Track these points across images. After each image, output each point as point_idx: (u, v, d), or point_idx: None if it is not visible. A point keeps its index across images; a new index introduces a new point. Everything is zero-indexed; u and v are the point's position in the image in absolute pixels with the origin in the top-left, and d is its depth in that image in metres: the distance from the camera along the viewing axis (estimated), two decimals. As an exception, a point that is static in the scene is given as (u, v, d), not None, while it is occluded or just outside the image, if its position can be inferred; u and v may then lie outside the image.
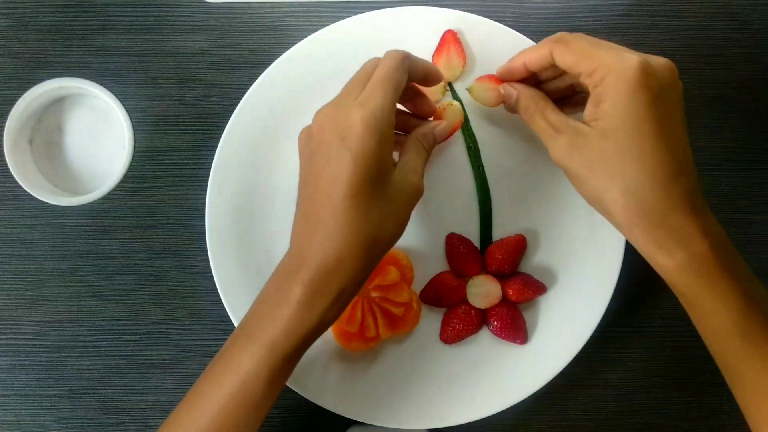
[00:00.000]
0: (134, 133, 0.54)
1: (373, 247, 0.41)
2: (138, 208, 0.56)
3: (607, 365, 0.56)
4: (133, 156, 0.54)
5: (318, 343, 0.43)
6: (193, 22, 0.56)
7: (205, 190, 0.52)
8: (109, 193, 0.53)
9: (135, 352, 0.56)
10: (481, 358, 0.53)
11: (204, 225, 0.52)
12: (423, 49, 0.51)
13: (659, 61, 0.41)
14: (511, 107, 0.49)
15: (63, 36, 0.56)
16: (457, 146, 0.54)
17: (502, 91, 0.49)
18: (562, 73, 0.47)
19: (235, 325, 0.52)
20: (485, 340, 0.53)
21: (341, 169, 0.40)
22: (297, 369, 0.43)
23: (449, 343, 0.53)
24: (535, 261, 0.54)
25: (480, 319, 0.53)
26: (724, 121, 0.57)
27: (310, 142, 0.42)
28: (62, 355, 0.56)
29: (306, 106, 0.50)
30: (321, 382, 0.52)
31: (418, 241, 0.54)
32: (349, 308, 0.50)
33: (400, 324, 0.52)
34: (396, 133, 0.48)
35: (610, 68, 0.41)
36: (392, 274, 0.51)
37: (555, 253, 0.54)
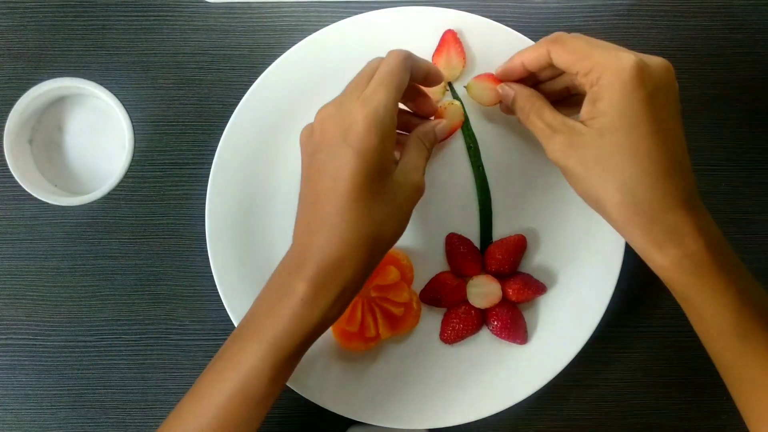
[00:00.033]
0: (134, 133, 0.54)
1: (376, 245, 0.42)
2: (138, 208, 0.56)
3: (607, 365, 0.56)
4: (133, 156, 0.54)
5: (318, 343, 0.43)
6: (193, 22, 0.56)
7: (205, 190, 0.52)
8: (109, 193, 0.53)
9: (135, 352, 0.56)
10: (481, 358, 0.53)
11: (204, 225, 0.52)
12: (423, 49, 0.51)
13: (655, 61, 0.42)
14: (508, 107, 0.49)
15: (63, 36, 0.56)
16: (457, 146, 0.54)
17: (499, 90, 0.49)
18: (561, 73, 0.47)
19: (236, 325, 0.51)
20: (485, 340, 0.53)
21: (344, 166, 0.40)
22: (297, 369, 0.43)
23: (449, 343, 0.53)
24: (535, 261, 0.54)
25: (480, 319, 0.53)
26: (724, 121, 0.57)
27: (312, 139, 0.43)
28: (62, 355, 0.56)
29: (306, 105, 0.50)
30: (321, 382, 0.52)
31: (418, 241, 0.54)
32: (349, 308, 0.50)
33: (400, 324, 0.52)
34: (397, 132, 0.48)
35: (606, 67, 0.41)
36: (392, 274, 0.51)
37: (555, 253, 0.54)
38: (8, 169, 0.52)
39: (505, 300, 0.52)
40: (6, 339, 0.56)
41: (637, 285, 0.55)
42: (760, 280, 0.43)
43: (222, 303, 0.52)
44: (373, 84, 0.42)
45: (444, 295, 0.52)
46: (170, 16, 0.56)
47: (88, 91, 0.53)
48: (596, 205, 0.43)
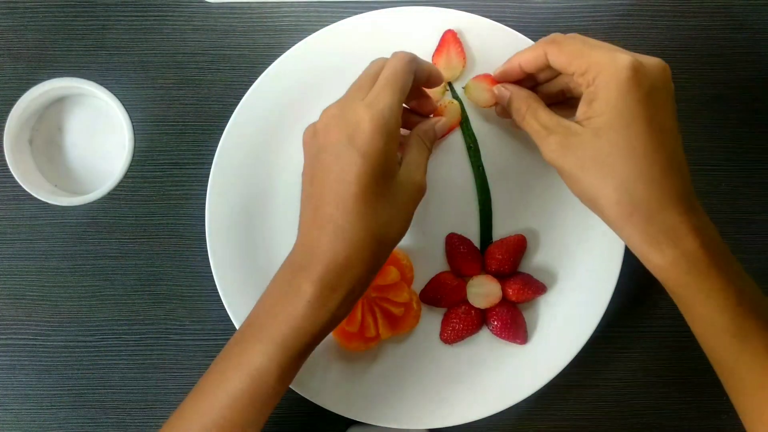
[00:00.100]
0: (134, 133, 0.54)
1: (381, 246, 0.42)
2: (138, 208, 0.56)
3: (607, 365, 0.56)
4: (133, 156, 0.54)
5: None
6: (193, 22, 0.56)
7: (205, 190, 0.52)
8: (109, 193, 0.53)
9: (135, 352, 0.56)
10: (481, 358, 0.53)
11: (204, 225, 0.52)
12: (423, 49, 0.51)
13: (651, 61, 0.42)
14: (504, 111, 0.50)
15: (63, 36, 0.56)
16: (457, 146, 0.54)
17: (495, 91, 0.49)
18: (558, 75, 0.48)
19: (236, 325, 0.52)
20: (485, 340, 0.53)
21: (350, 169, 0.40)
22: (297, 369, 0.43)
23: (449, 343, 0.53)
24: (535, 261, 0.54)
25: (480, 319, 0.53)
26: (724, 121, 0.57)
27: (315, 139, 0.42)
28: (62, 355, 0.56)
29: (306, 105, 0.50)
30: (321, 382, 0.52)
31: (418, 241, 0.54)
32: (349, 308, 0.50)
33: (400, 324, 0.52)
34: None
35: (602, 68, 0.41)
36: (392, 274, 0.51)
37: (555, 253, 0.54)
38: (8, 169, 0.52)
39: (505, 300, 0.52)
40: (6, 339, 0.56)
41: (637, 285, 0.55)
42: (760, 280, 0.43)
43: (222, 303, 0.52)
44: (379, 86, 0.42)
45: (444, 295, 0.52)
46: (170, 16, 0.56)
47: (88, 91, 0.53)
48: (593, 205, 0.43)
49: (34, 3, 0.56)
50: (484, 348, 0.53)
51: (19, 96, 0.52)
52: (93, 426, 0.56)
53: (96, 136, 0.55)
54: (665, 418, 0.56)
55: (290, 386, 0.51)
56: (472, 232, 0.54)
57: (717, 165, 0.57)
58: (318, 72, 0.53)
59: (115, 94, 0.53)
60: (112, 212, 0.56)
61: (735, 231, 0.56)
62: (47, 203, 0.53)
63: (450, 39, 0.52)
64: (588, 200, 0.43)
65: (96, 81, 0.53)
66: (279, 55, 0.52)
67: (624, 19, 0.56)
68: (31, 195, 0.52)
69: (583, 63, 0.42)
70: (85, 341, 0.56)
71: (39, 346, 0.56)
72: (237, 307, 0.52)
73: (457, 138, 0.53)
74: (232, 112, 0.52)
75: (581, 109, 0.43)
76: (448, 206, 0.54)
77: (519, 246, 0.53)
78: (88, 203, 0.53)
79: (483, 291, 0.52)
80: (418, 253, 0.53)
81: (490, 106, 0.52)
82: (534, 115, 0.45)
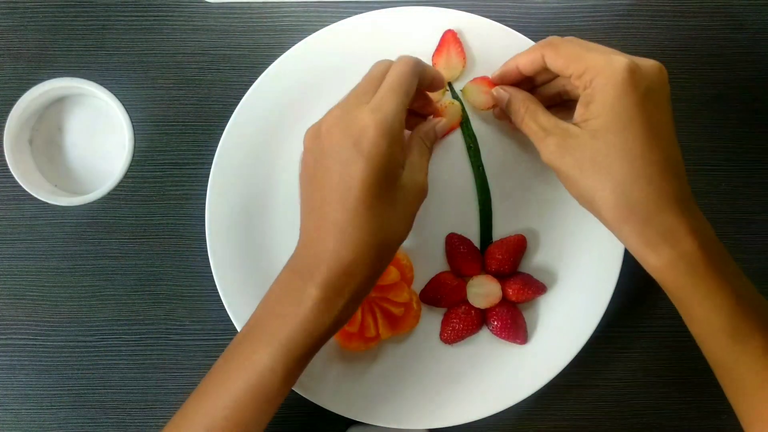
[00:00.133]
0: (134, 133, 0.54)
1: (385, 249, 0.42)
2: (138, 208, 0.56)
3: (607, 365, 0.56)
4: (133, 156, 0.54)
5: (318, 344, 0.43)
6: (193, 22, 0.56)
7: (205, 190, 0.52)
8: (109, 193, 0.53)
9: (135, 352, 0.56)
10: (481, 358, 0.53)
11: (204, 225, 0.52)
12: (423, 49, 0.51)
13: (647, 63, 0.42)
14: (502, 113, 0.50)
15: (63, 36, 0.56)
16: (457, 146, 0.54)
17: (494, 93, 0.50)
18: (555, 77, 0.48)
19: (236, 325, 0.52)
20: (485, 340, 0.53)
21: (354, 173, 0.40)
22: (297, 369, 0.43)
23: (449, 343, 0.53)
24: (535, 261, 0.54)
25: (480, 319, 0.53)
26: (724, 121, 0.57)
27: (318, 142, 0.42)
28: (62, 355, 0.56)
29: (306, 105, 0.50)
30: (321, 382, 0.52)
31: (418, 241, 0.54)
32: (349, 308, 0.50)
33: (400, 324, 0.52)
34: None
35: (598, 70, 0.41)
36: (392, 274, 0.51)
37: (555, 253, 0.54)
38: (8, 169, 0.52)
39: (505, 300, 0.52)
40: (6, 339, 0.56)
41: (637, 285, 0.55)
42: (760, 280, 0.43)
43: (222, 303, 0.52)
44: (383, 90, 0.42)
45: (444, 295, 0.52)
46: (170, 16, 0.56)
47: (88, 91, 0.53)
48: (590, 206, 0.43)
49: (34, 3, 0.56)
50: (484, 348, 0.53)
51: (19, 96, 0.52)
52: (93, 426, 0.56)
53: (96, 136, 0.55)
54: (665, 418, 0.56)
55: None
56: (472, 232, 0.54)
57: (717, 165, 0.57)
58: (318, 72, 0.53)
59: (115, 94, 0.53)
60: (112, 212, 0.56)
61: (735, 231, 0.56)
62: (47, 203, 0.53)
63: (450, 39, 0.52)
64: (585, 201, 0.43)
65: (96, 81, 0.53)
66: (279, 55, 0.52)
67: (624, 19, 0.56)
68: (31, 195, 0.52)
69: (580, 65, 0.42)
70: (85, 341, 0.56)
71: (39, 346, 0.56)
72: (237, 307, 0.52)
73: (457, 138, 0.54)
74: (232, 112, 0.52)
75: (578, 111, 0.43)
76: (448, 206, 0.54)
77: (519, 246, 0.53)
78: (88, 203, 0.53)
79: (483, 291, 0.52)
80: (418, 253, 0.53)
81: (488, 108, 0.52)
82: (532, 117, 0.45)
